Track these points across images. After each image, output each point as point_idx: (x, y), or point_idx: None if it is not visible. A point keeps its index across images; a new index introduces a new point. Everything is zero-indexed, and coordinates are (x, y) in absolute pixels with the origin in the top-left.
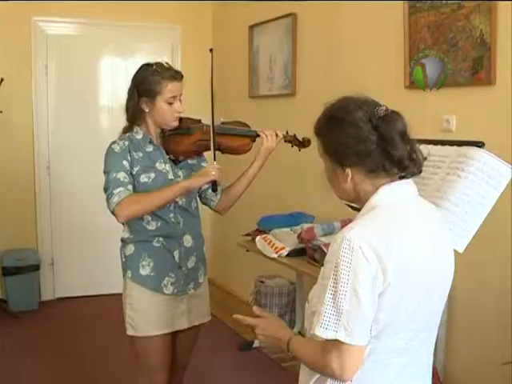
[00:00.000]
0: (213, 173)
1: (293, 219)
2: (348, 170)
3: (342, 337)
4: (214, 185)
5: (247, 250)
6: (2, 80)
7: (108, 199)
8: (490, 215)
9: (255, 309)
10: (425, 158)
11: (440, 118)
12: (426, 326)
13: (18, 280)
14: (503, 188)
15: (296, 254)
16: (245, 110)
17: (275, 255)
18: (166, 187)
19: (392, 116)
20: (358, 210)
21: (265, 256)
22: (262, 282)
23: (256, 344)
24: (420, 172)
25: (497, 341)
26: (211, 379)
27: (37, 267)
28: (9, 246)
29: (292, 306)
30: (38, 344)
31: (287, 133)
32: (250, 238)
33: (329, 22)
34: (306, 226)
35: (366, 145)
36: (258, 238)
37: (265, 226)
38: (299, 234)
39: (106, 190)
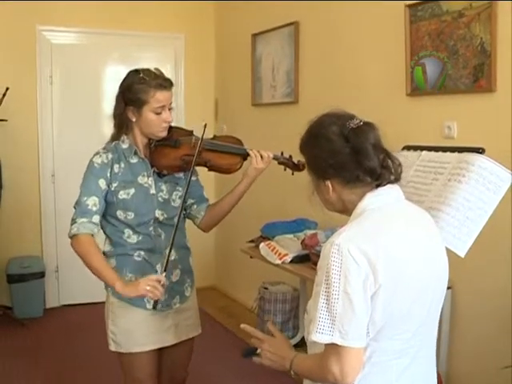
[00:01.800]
0: (146, 288)
1: (296, 226)
2: (328, 183)
3: (337, 340)
4: (154, 302)
5: (251, 257)
6: (8, 89)
7: (70, 223)
8: (490, 220)
9: (270, 325)
10: (399, 165)
11: (441, 124)
12: (424, 326)
13: (23, 287)
14: (503, 193)
15: (299, 260)
16: (248, 118)
17: (279, 261)
18: (110, 271)
19: (363, 128)
20: None
21: (268, 262)
22: (265, 288)
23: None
24: (398, 179)
25: (498, 345)
26: None
27: (42, 274)
28: (14, 253)
29: (295, 312)
30: (43, 351)
31: (282, 154)
32: (253, 244)
33: (331, 30)
34: (309, 232)
35: (339, 157)
36: (261, 245)
37: (268, 233)
38: (303, 241)
39: (74, 208)
